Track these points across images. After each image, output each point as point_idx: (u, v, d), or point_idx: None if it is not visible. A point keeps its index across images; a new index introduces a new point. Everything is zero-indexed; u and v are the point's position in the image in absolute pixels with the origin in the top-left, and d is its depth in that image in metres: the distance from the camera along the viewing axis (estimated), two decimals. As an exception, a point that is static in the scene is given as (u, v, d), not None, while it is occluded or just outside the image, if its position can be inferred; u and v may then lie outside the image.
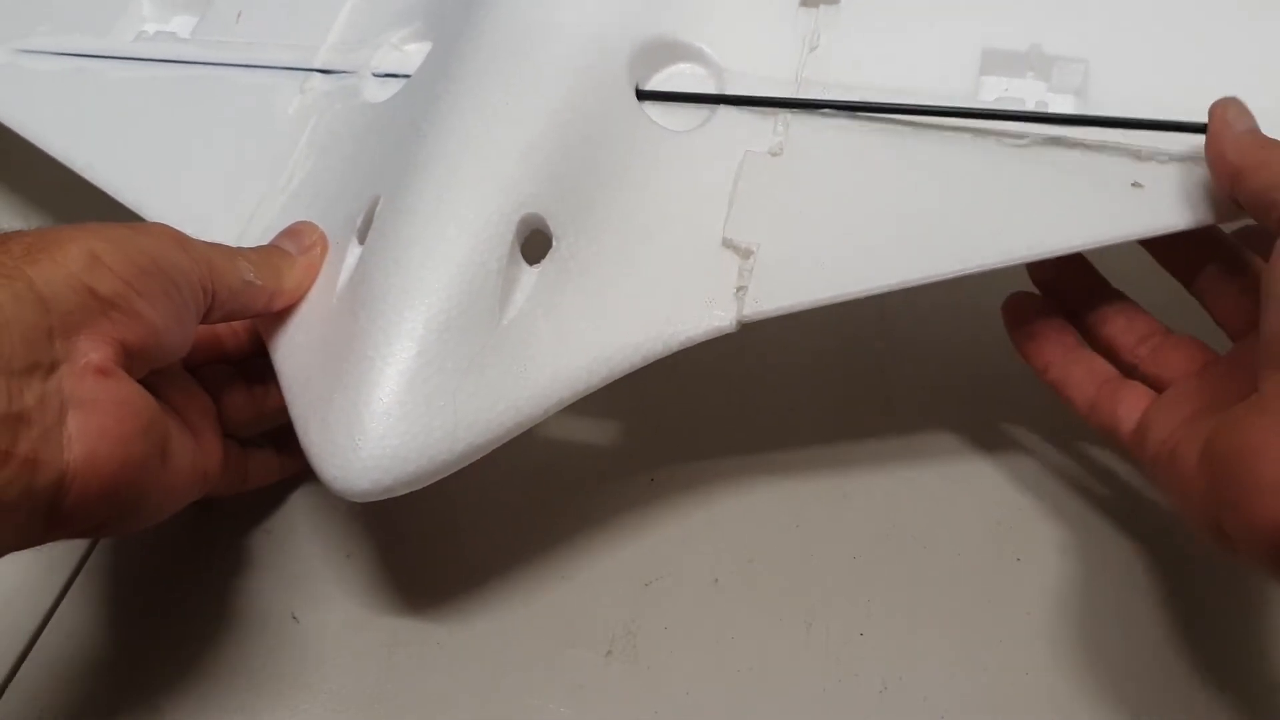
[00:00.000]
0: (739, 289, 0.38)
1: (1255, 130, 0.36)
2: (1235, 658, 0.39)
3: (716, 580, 0.42)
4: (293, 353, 0.38)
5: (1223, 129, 0.36)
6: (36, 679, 0.41)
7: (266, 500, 0.45)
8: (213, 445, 0.37)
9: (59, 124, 0.47)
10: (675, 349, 0.37)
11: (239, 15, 0.50)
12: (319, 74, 0.46)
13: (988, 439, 0.46)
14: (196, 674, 0.41)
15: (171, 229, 0.35)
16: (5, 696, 0.40)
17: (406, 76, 0.45)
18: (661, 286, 0.38)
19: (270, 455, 0.42)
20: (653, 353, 0.37)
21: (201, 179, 0.44)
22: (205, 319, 0.36)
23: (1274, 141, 0.35)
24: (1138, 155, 0.39)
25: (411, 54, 0.46)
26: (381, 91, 0.45)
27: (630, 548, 0.43)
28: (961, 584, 0.41)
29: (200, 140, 0.45)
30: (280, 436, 0.43)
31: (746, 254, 0.38)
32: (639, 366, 0.37)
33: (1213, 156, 0.36)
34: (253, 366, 0.42)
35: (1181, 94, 0.40)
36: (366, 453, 0.33)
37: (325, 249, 0.39)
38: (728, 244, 0.39)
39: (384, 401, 0.34)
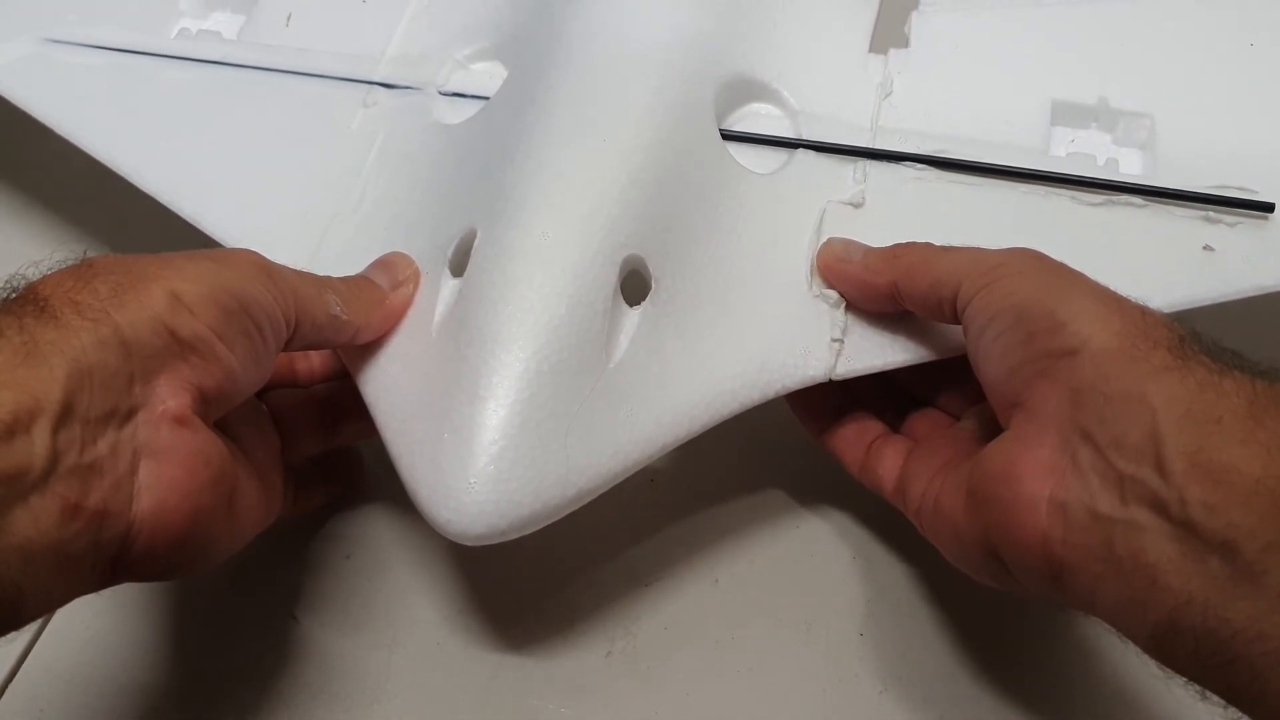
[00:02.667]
0: (834, 341, 0.38)
1: (871, 249, 0.38)
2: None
3: (716, 580, 0.42)
4: (388, 388, 0.37)
5: (842, 265, 0.39)
6: (36, 679, 0.40)
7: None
8: (276, 485, 0.36)
9: (101, 123, 0.45)
10: (770, 397, 0.38)
11: (289, 17, 0.48)
12: (382, 87, 0.45)
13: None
14: (197, 674, 0.40)
15: (258, 258, 0.34)
16: (5, 696, 0.40)
17: (477, 98, 0.44)
18: (756, 332, 0.38)
19: (317, 486, 0.41)
20: (750, 400, 0.37)
21: (265, 193, 0.43)
22: (286, 347, 0.35)
23: (899, 247, 0.37)
24: (1208, 218, 0.40)
25: (479, 74, 0.46)
26: (452, 112, 0.44)
27: (630, 548, 0.43)
28: (961, 584, 0.41)
29: (259, 150, 0.44)
30: (329, 464, 0.42)
31: (838, 304, 0.39)
32: (735, 413, 0.37)
33: (853, 288, 0.38)
34: (323, 392, 0.41)
35: (1248, 148, 0.42)
36: (483, 496, 0.33)
37: (418, 284, 0.38)
38: (819, 295, 0.39)
39: (498, 444, 0.33)
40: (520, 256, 0.36)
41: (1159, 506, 0.27)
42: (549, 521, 0.34)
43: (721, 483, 0.45)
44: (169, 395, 0.29)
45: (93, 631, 0.41)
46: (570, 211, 0.36)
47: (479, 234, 0.37)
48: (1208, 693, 0.27)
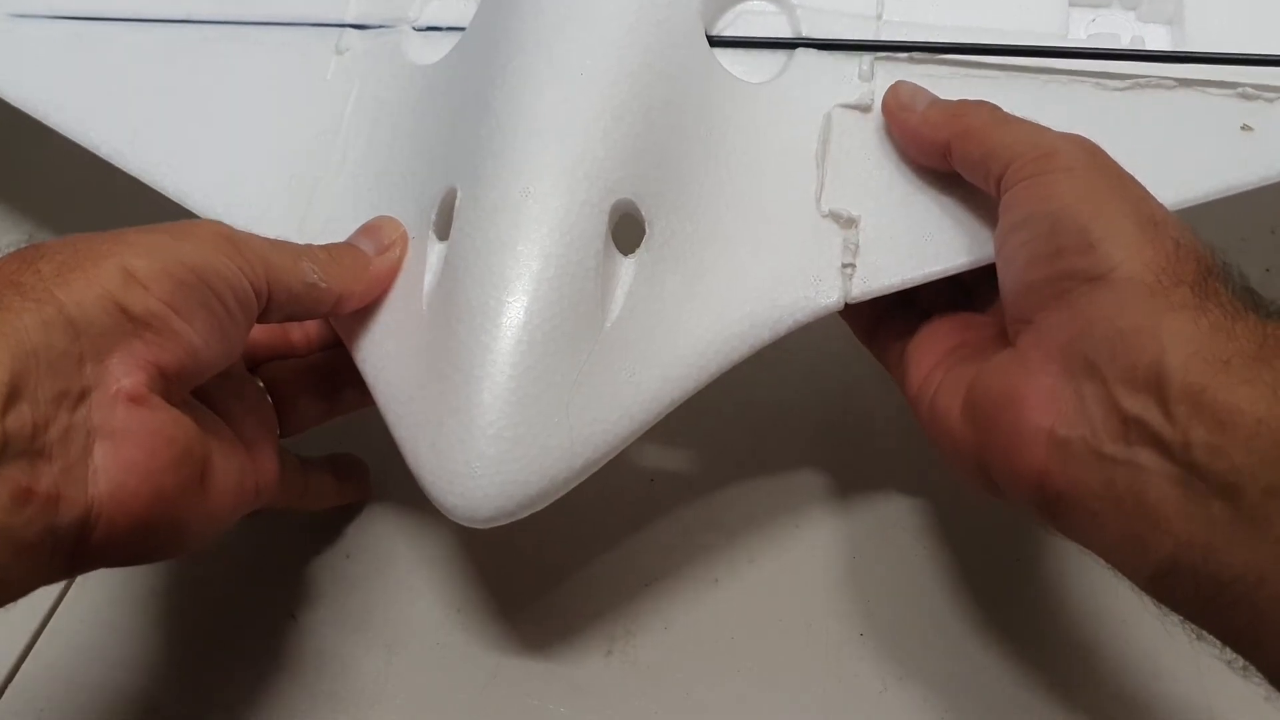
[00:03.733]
0: (845, 266, 0.36)
1: (937, 101, 0.37)
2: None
3: (716, 580, 0.42)
4: (385, 366, 0.36)
5: (904, 113, 0.37)
6: (36, 679, 0.40)
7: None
8: (268, 458, 0.35)
9: (67, 99, 0.43)
10: (782, 334, 0.36)
11: (250, -36, 0.45)
12: (354, 29, 0.43)
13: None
14: (196, 674, 0.41)
15: (221, 227, 0.33)
16: (5, 696, 0.40)
17: (452, 30, 0.42)
18: (762, 264, 0.36)
19: (327, 476, 0.40)
20: (760, 340, 0.35)
21: (246, 161, 0.41)
22: (264, 319, 0.34)
23: (963, 105, 0.35)
24: (1244, 95, 0.37)
25: (453, 2, 0.43)
26: (427, 49, 0.42)
27: (630, 548, 0.43)
28: (961, 584, 0.42)
29: (235, 114, 0.42)
30: (339, 466, 0.42)
31: (849, 224, 0.36)
32: (745, 356, 0.36)
33: (908, 139, 0.37)
34: (320, 361, 0.40)
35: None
36: (486, 479, 0.32)
37: (405, 248, 0.37)
38: (829, 215, 0.37)
39: (498, 424, 0.32)
40: (502, 219, 0.34)
41: (1162, 447, 0.27)
42: (558, 495, 0.33)
43: (721, 483, 0.44)
44: (123, 374, 0.28)
45: (92, 632, 0.41)
46: (551, 163, 0.34)
47: (459, 194, 0.35)
48: (1203, 634, 0.27)
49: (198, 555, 0.41)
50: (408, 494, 0.34)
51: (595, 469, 0.34)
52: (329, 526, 0.43)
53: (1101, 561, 0.29)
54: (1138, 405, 0.27)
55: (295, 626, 0.41)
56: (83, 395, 0.28)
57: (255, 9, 0.44)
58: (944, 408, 0.33)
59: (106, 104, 0.43)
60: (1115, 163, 0.32)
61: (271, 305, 0.33)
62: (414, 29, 0.43)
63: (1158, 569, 0.27)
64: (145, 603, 0.42)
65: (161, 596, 0.42)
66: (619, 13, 0.37)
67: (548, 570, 0.42)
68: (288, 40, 0.43)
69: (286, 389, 0.38)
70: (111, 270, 0.29)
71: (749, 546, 0.43)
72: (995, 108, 0.35)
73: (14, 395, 0.26)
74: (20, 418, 0.26)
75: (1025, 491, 0.30)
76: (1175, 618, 0.28)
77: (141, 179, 0.41)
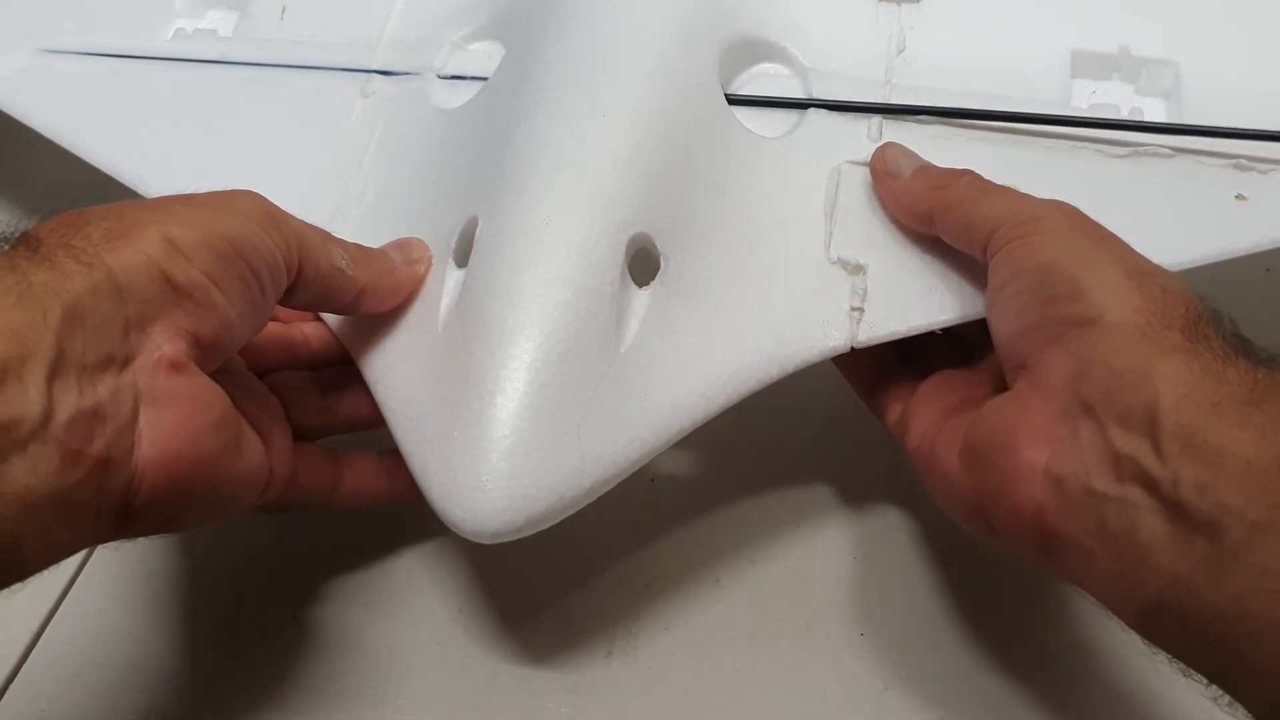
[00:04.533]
0: (853, 310, 0.37)
1: (921, 169, 0.38)
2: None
3: (717, 580, 0.42)
4: (396, 383, 0.36)
5: (889, 179, 0.38)
6: (36, 679, 0.40)
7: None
8: (280, 444, 0.35)
9: (100, 131, 0.44)
10: (790, 371, 0.36)
11: (284, 10, 0.47)
12: (380, 75, 0.44)
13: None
14: (197, 674, 0.40)
15: (260, 200, 0.34)
16: (5, 697, 0.40)
17: (476, 79, 0.43)
18: (772, 305, 0.37)
19: (369, 463, 0.39)
20: (768, 376, 0.36)
21: (268, 191, 0.41)
22: (287, 301, 0.34)
23: (945, 177, 0.37)
24: (1239, 165, 0.39)
25: (477, 54, 0.45)
26: (451, 95, 0.43)
27: (630, 548, 0.42)
28: (962, 584, 0.42)
29: (259, 148, 0.43)
30: (387, 455, 0.40)
31: (857, 270, 0.37)
32: (754, 390, 0.36)
33: (893, 205, 0.38)
34: (325, 376, 0.40)
35: (1274, 96, 0.40)
36: (496, 494, 0.32)
37: (430, 266, 0.38)
38: (838, 261, 0.38)
39: (509, 439, 0.32)
40: (523, 243, 0.35)
41: (1152, 485, 0.27)
42: (566, 515, 0.33)
43: (721, 483, 0.44)
44: (165, 341, 0.29)
45: (94, 632, 0.41)
46: (572, 193, 0.35)
47: (481, 222, 0.36)
48: (1190, 670, 0.27)
49: (199, 555, 0.42)
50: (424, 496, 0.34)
51: (604, 490, 0.34)
52: (330, 527, 0.43)
53: (1093, 600, 0.30)
54: (1130, 444, 0.28)
55: (297, 627, 0.41)
56: (126, 361, 0.28)
57: (286, 54, 0.46)
58: (943, 457, 0.34)
59: (132, 136, 0.44)
60: (1096, 223, 0.33)
61: (299, 283, 0.34)
62: (439, 76, 0.44)
63: (1146, 606, 0.27)
64: (147, 604, 0.41)
65: (163, 597, 0.42)
66: (641, 64, 0.39)
67: (548, 571, 0.41)
68: (315, 84, 0.45)
69: (287, 396, 0.38)
70: (155, 238, 0.29)
71: (750, 547, 0.42)
72: (976, 177, 0.36)
73: (60, 359, 0.27)
74: (67, 382, 0.27)
75: (1022, 530, 0.30)
76: (1163, 656, 0.28)
77: None
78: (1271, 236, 0.37)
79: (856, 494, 0.43)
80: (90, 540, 0.28)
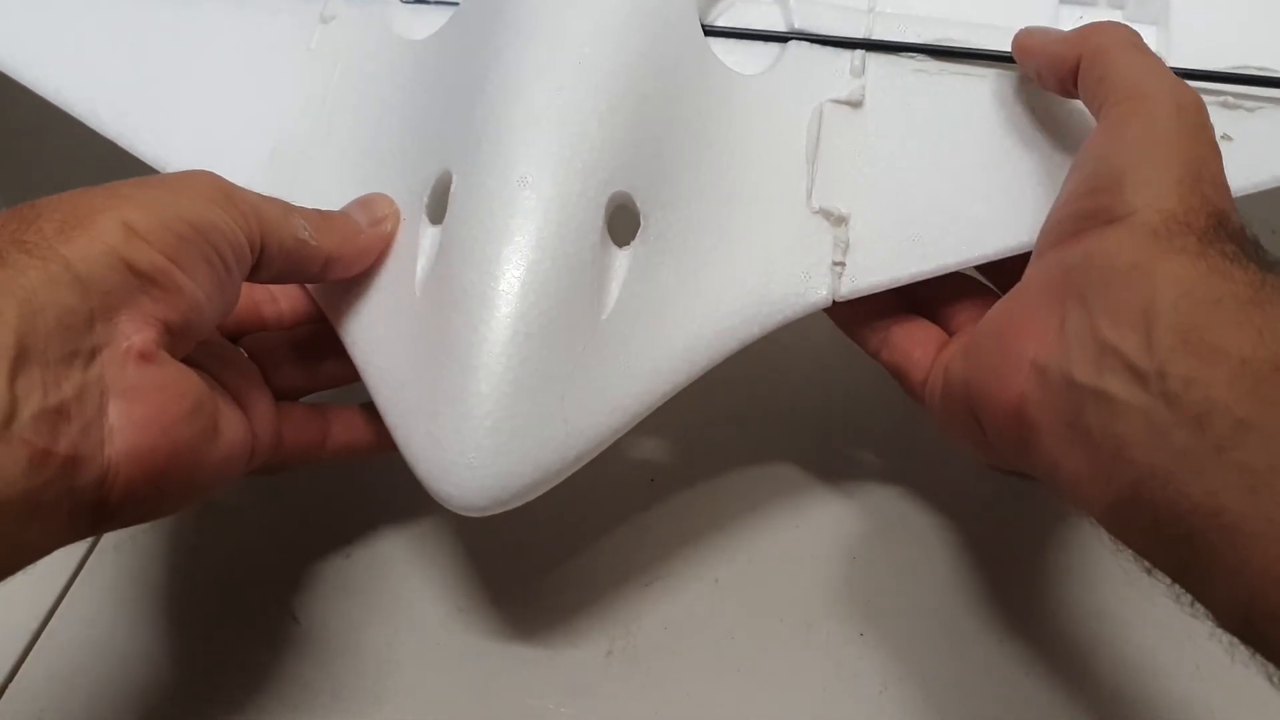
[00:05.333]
0: (835, 264, 0.36)
1: (1055, 33, 0.36)
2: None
3: (716, 580, 0.42)
4: (375, 348, 0.35)
5: (1039, 35, 0.37)
6: (36, 679, 0.40)
7: (267, 499, 0.44)
8: (262, 410, 0.35)
9: (40, 57, 0.42)
10: (771, 329, 0.36)
11: (231, -80, 0.44)
12: (338, -1, 0.42)
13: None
14: (197, 674, 0.40)
15: (215, 179, 0.32)
16: (5, 696, 0.40)
17: (442, 3, 0.41)
18: (754, 260, 0.36)
19: (357, 416, 0.39)
20: (750, 335, 0.36)
21: (228, 129, 0.40)
22: (253, 278, 0.33)
23: (1094, 25, 0.35)
24: (1225, 103, 0.38)
25: (442, -26, 0.42)
26: (416, 22, 0.41)
27: (630, 548, 0.43)
28: (962, 584, 0.42)
29: (214, 79, 0.41)
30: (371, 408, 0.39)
31: (839, 221, 0.37)
32: (735, 351, 0.36)
33: (1043, 59, 0.36)
34: (301, 335, 0.39)
35: (1264, 29, 0.39)
36: (483, 470, 0.32)
37: (397, 224, 0.37)
38: (819, 212, 0.37)
39: (495, 415, 0.32)
40: (499, 208, 0.34)
41: (1136, 375, 0.27)
42: (552, 485, 0.34)
43: (721, 482, 0.44)
44: (132, 331, 0.28)
45: (93, 631, 0.41)
46: (549, 151, 0.34)
47: (455, 179, 0.35)
48: (1154, 570, 0.28)
49: (199, 555, 0.43)
50: (408, 494, 0.33)
51: (588, 460, 0.34)
52: (330, 526, 0.43)
53: (1063, 493, 0.30)
54: (1117, 336, 0.28)
55: (296, 627, 0.41)
56: (93, 354, 0.28)
57: (236, -30, 0.43)
58: (950, 366, 0.34)
59: (81, 63, 0.42)
60: (1197, 115, 0.32)
61: (263, 260, 0.33)
62: (402, 1, 0.42)
63: (1117, 499, 0.27)
64: (146, 603, 0.42)
65: (162, 597, 0.42)
66: (617, 1, 0.37)
67: (548, 570, 0.42)
68: (271, 6, 0.42)
69: (264, 360, 0.38)
70: (112, 225, 0.28)
71: (749, 546, 0.43)
72: (1131, 31, 0.35)
73: (22, 357, 0.26)
74: (30, 380, 0.26)
75: (1003, 421, 0.31)
76: (1129, 554, 0.28)
77: (118, 143, 0.40)
78: (1258, 178, 0.37)
79: (857, 494, 0.43)
80: (64, 539, 0.28)
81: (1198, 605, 0.27)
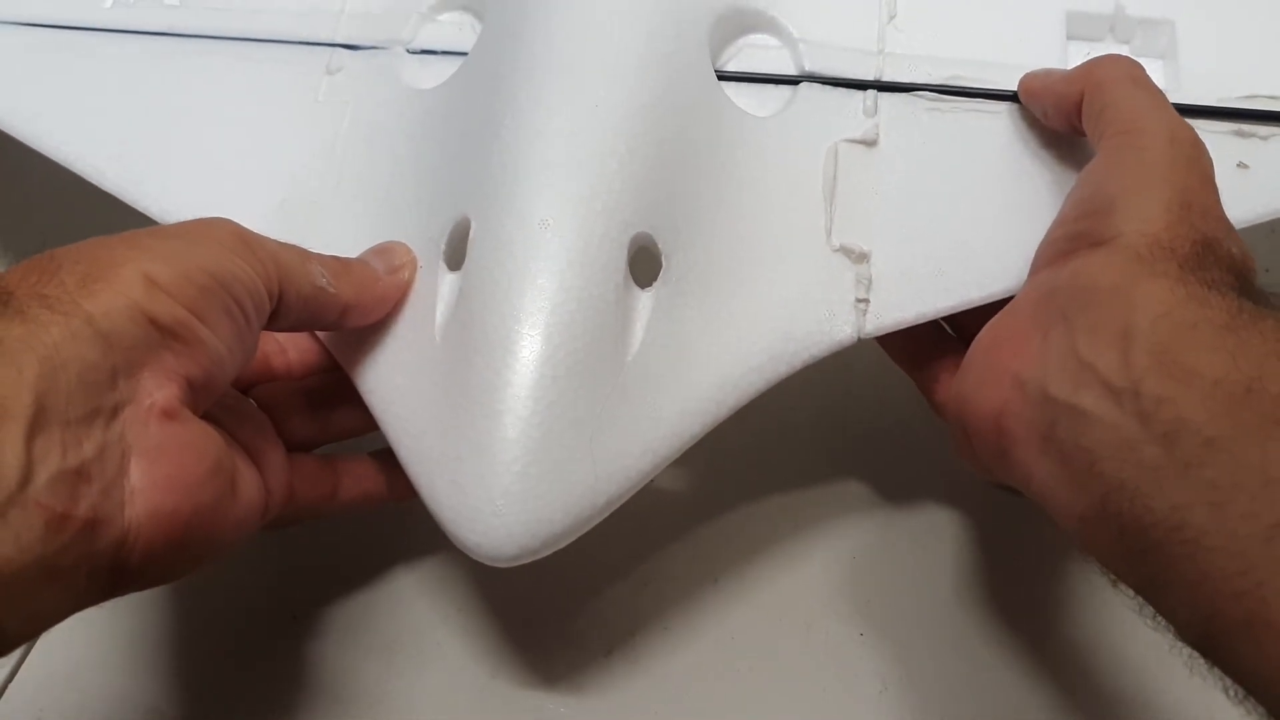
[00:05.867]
0: (859, 301, 0.36)
1: (1061, 72, 0.37)
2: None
3: (716, 580, 0.42)
4: (395, 398, 0.35)
5: (1043, 77, 0.37)
6: (36, 679, 0.40)
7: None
8: (275, 465, 0.34)
9: (44, 115, 0.42)
10: (799, 368, 0.36)
11: (234, -25, 0.44)
12: (345, 49, 0.42)
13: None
14: (197, 674, 0.40)
15: (234, 227, 0.32)
16: (5, 696, 0.39)
17: (450, 54, 0.41)
18: (776, 299, 0.36)
19: (368, 466, 0.38)
20: (777, 374, 0.35)
21: (236, 182, 0.40)
22: (271, 326, 0.33)
23: (1095, 60, 0.36)
24: (1239, 133, 0.38)
25: (447, 25, 0.42)
26: (424, 73, 0.41)
27: (630, 548, 0.42)
28: (962, 585, 0.42)
29: (223, 133, 0.41)
30: (383, 456, 0.39)
31: (860, 258, 0.36)
32: (763, 390, 0.35)
33: (1048, 97, 0.37)
34: (312, 385, 0.38)
35: (1274, 56, 0.39)
36: (511, 517, 0.31)
37: (414, 272, 0.36)
38: (840, 249, 0.37)
39: (523, 460, 0.32)
40: (520, 251, 0.33)
41: (1110, 392, 0.28)
42: (581, 533, 0.33)
43: (721, 483, 0.44)
44: (155, 388, 0.27)
45: (93, 632, 0.40)
46: (570, 194, 0.34)
47: (473, 224, 0.34)
48: (1120, 584, 0.28)
49: None
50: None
51: (616, 505, 0.33)
52: (329, 527, 0.42)
53: (1038, 503, 0.30)
54: (1094, 353, 0.28)
55: (296, 627, 0.41)
56: (115, 411, 0.27)
57: (241, 25, 0.43)
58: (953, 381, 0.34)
59: (83, 118, 0.41)
60: (1196, 153, 0.32)
61: (281, 308, 0.32)
62: (408, 51, 0.42)
63: (1086, 510, 0.28)
64: (146, 604, 0.41)
65: (163, 597, 0.41)
66: (630, 46, 0.37)
67: (548, 571, 0.41)
68: (276, 58, 0.42)
69: (275, 412, 0.37)
70: (133, 278, 0.28)
71: (749, 547, 0.43)
72: (1134, 64, 0.35)
73: (40, 417, 0.25)
74: (49, 440, 0.25)
75: (984, 430, 0.31)
76: (1096, 567, 0.29)
77: (121, 198, 0.40)
78: (1275, 205, 0.37)
79: (856, 494, 0.43)
80: (79, 605, 0.27)
81: (1160, 618, 0.27)
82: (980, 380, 0.32)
